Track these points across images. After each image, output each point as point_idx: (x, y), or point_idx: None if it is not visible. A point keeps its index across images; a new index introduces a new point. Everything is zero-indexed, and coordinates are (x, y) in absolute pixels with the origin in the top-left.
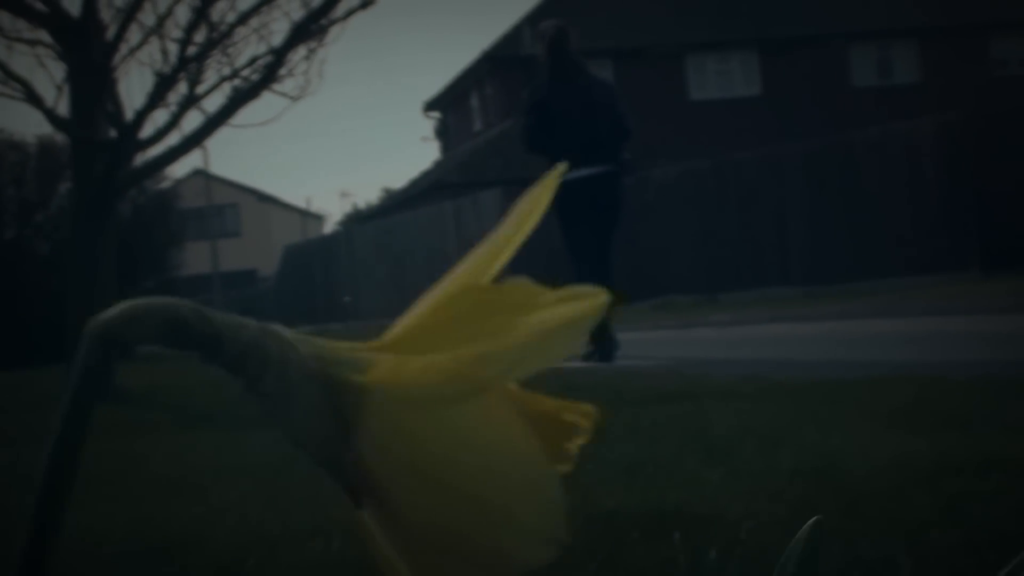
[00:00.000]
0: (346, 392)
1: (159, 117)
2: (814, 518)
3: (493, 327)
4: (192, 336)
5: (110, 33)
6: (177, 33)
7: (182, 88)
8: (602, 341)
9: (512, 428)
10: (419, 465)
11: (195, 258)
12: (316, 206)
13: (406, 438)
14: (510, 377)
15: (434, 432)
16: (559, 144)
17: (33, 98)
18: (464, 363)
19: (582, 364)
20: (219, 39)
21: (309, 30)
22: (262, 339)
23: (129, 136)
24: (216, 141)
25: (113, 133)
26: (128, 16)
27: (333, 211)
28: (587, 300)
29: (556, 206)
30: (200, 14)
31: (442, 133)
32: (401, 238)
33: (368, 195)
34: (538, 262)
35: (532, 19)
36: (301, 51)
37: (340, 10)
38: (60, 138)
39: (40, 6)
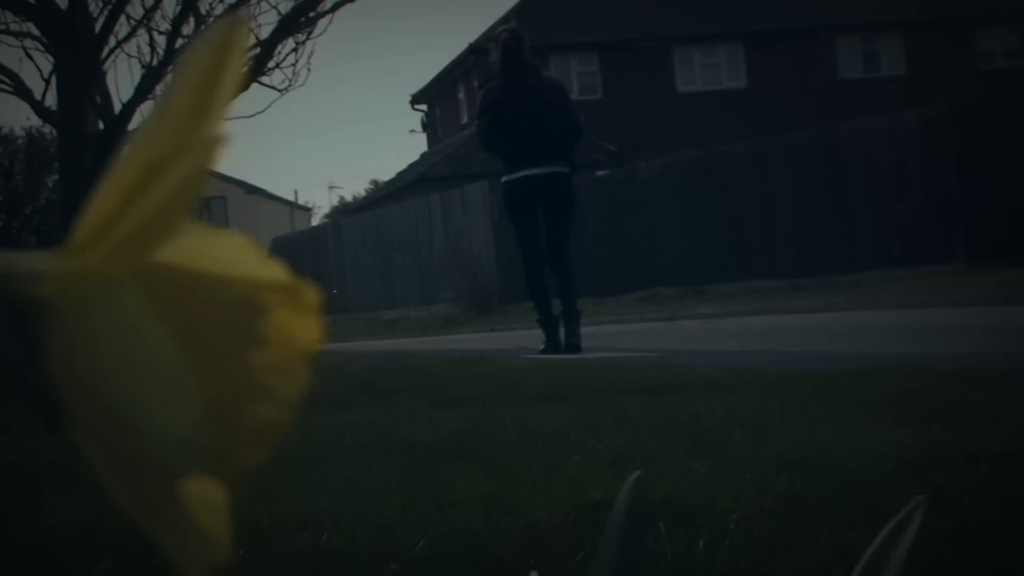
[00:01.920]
0: (28, 308)
1: (147, 109)
2: (635, 475)
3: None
4: None
5: (98, 26)
6: (165, 25)
7: (170, 80)
8: (553, 335)
9: (143, 327)
10: (89, 379)
11: None
12: (304, 198)
13: (78, 351)
14: (139, 261)
15: (95, 342)
16: (511, 144)
17: (21, 90)
18: (104, 256)
19: (542, 356)
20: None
21: (297, 23)
22: None
23: (117, 128)
24: None
25: (101, 125)
26: (116, 9)
27: (321, 203)
28: (193, 155)
29: (508, 205)
30: (188, 6)
31: (429, 126)
32: (388, 230)
33: (356, 187)
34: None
35: (519, 11)
36: (289, 44)
37: (327, 3)
38: (48, 130)
39: None
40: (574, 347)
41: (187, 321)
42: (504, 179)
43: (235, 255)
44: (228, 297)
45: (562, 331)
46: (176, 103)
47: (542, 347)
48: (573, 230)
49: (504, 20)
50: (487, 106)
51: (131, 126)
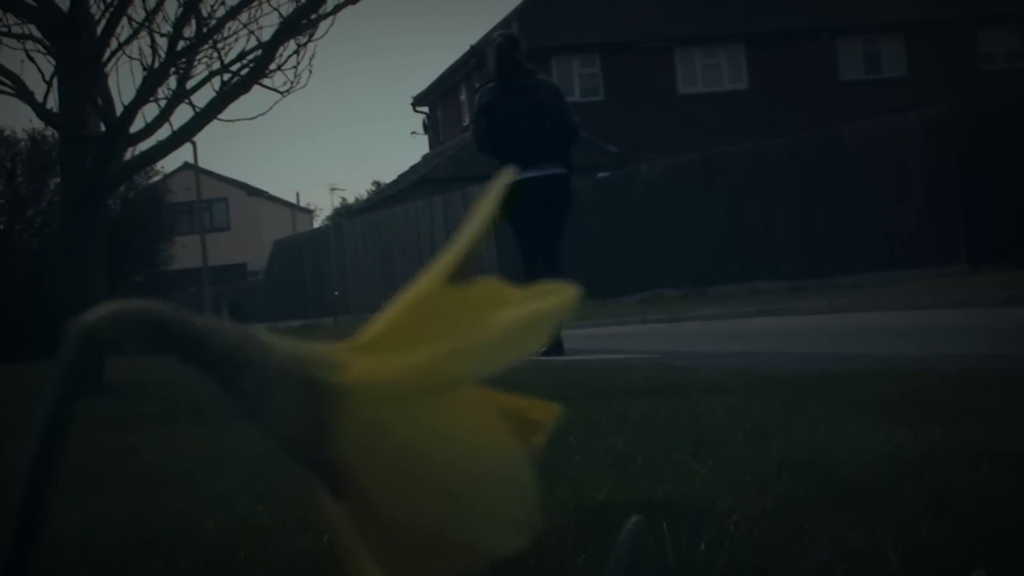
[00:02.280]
0: (322, 391)
1: (148, 112)
2: (634, 519)
3: (465, 325)
4: (173, 338)
5: (99, 28)
6: (166, 28)
7: (171, 83)
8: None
9: (487, 421)
10: (395, 460)
11: (185, 252)
12: (306, 200)
13: (382, 434)
14: (482, 372)
15: (409, 428)
16: (508, 146)
17: (23, 93)
18: (437, 359)
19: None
20: (208, 34)
21: (298, 25)
22: (240, 341)
23: (119, 131)
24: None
25: (103, 128)
26: (117, 11)
27: (323, 205)
28: (556, 296)
29: (506, 207)
30: (189, 9)
31: (431, 127)
32: (390, 232)
33: (357, 189)
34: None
35: (520, 13)
36: (290, 46)
37: (329, 5)
38: (50, 133)
39: (29, 1)
40: (557, 348)
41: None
42: None
43: None
44: (509, 408)
45: None
46: (460, 239)
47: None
48: (569, 232)
49: (506, 22)
50: (482, 109)
51: (132, 128)
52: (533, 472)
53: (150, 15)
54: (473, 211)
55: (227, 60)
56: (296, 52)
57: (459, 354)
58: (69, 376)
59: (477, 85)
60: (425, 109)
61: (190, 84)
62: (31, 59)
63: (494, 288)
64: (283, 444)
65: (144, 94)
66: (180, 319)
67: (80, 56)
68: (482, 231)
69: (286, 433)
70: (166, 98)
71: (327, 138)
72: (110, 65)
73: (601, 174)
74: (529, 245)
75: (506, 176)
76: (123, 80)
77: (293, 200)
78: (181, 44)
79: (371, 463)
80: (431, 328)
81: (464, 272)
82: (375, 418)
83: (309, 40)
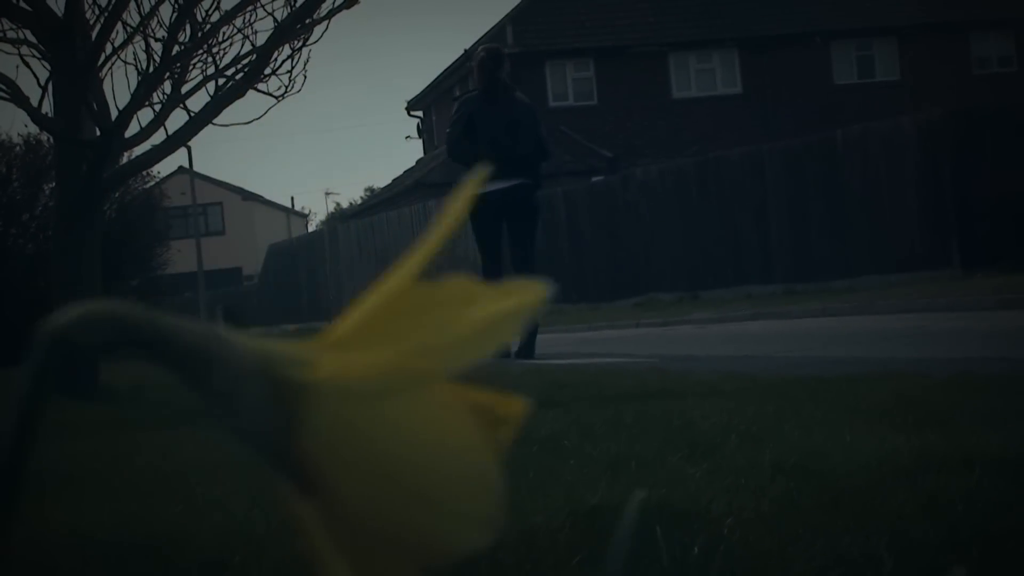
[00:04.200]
0: (290, 389)
1: (143, 116)
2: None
3: (433, 322)
4: (142, 338)
5: (94, 33)
6: (161, 32)
7: (166, 87)
8: (526, 338)
9: (455, 419)
10: (363, 458)
11: (180, 256)
12: (300, 204)
13: (350, 432)
14: (451, 368)
15: (377, 426)
16: (480, 156)
17: (18, 98)
18: (406, 356)
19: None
20: (203, 38)
21: (293, 29)
22: (208, 340)
23: (114, 135)
24: (201, 140)
25: (98, 132)
26: (112, 15)
27: (317, 209)
28: (524, 294)
29: (473, 216)
30: (184, 13)
31: (425, 132)
32: (384, 236)
33: (352, 193)
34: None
35: (514, 18)
36: (285, 50)
37: (324, 9)
38: (45, 137)
39: (24, 6)
40: (527, 355)
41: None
42: None
43: None
44: (478, 404)
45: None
46: (433, 234)
47: (511, 351)
48: (539, 242)
49: (500, 27)
50: (461, 116)
51: (128, 133)
52: (500, 470)
53: (145, 20)
54: (443, 211)
55: (222, 64)
56: (291, 56)
57: (427, 351)
58: (37, 380)
59: (457, 94)
60: (419, 113)
61: (185, 88)
62: (26, 64)
63: (464, 286)
64: (252, 443)
65: (139, 98)
66: (147, 319)
67: (75, 61)
68: (451, 231)
69: (254, 431)
70: (161, 102)
71: (322, 142)
72: (105, 70)
73: (595, 178)
74: (490, 253)
75: (476, 178)
76: (118, 85)
77: (288, 204)
78: (176, 49)
79: (339, 461)
80: (400, 325)
81: (435, 269)
82: (343, 416)
83: (304, 44)
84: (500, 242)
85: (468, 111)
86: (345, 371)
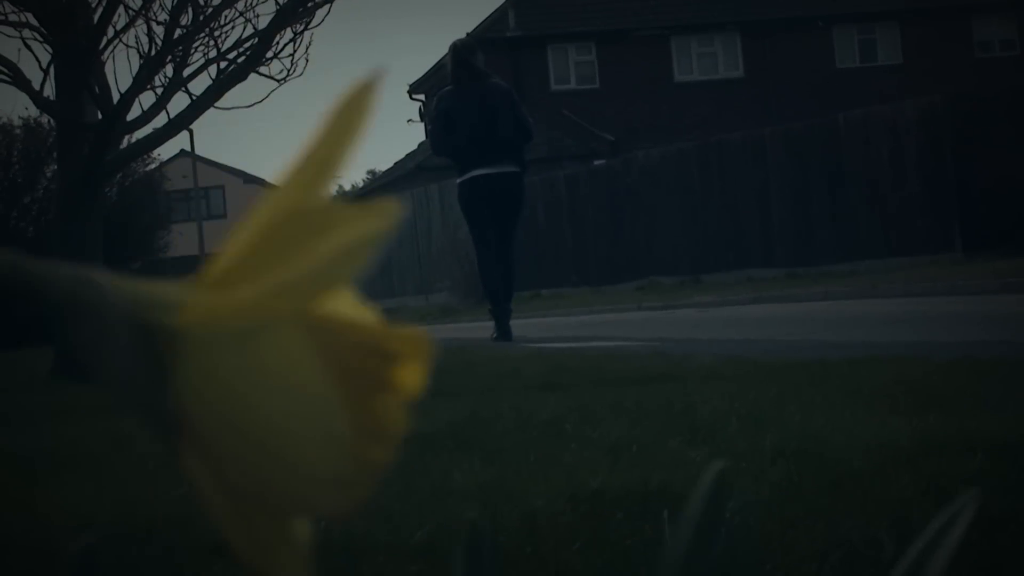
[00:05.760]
0: (160, 336)
1: (145, 99)
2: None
3: (294, 254)
4: (14, 287)
5: (96, 16)
6: (163, 16)
7: (168, 71)
8: (503, 324)
9: (303, 367)
10: (226, 409)
11: (182, 240)
12: None
13: (216, 381)
14: (306, 305)
15: (238, 374)
16: (462, 147)
17: (19, 81)
18: (264, 296)
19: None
20: (205, 22)
21: (295, 12)
22: (75, 286)
23: (115, 118)
24: (202, 123)
25: (99, 115)
26: None
27: None
28: (373, 217)
29: (463, 205)
30: None
31: (427, 115)
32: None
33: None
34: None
35: (516, 2)
36: (287, 33)
37: None
38: (47, 121)
39: None
40: (505, 334)
41: (330, 363)
42: (458, 180)
43: (342, 301)
44: (361, 343)
45: None
46: (312, 153)
47: (494, 335)
48: (520, 226)
49: (502, 11)
50: (438, 114)
51: (129, 116)
52: (341, 425)
53: (146, 3)
54: (331, 117)
55: (224, 48)
56: (293, 40)
57: (282, 289)
58: None
59: (434, 92)
60: (421, 96)
61: (187, 72)
62: (28, 47)
63: (327, 210)
64: (122, 394)
65: (141, 82)
66: (16, 265)
67: (77, 44)
68: (345, 145)
69: (122, 382)
70: (163, 86)
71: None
72: (107, 53)
73: (597, 162)
74: (481, 241)
75: (372, 77)
76: (120, 68)
77: None
78: (178, 32)
79: (207, 412)
80: (271, 258)
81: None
82: (211, 363)
83: (306, 28)
84: (488, 228)
85: (444, 107)
86: (212, 313)
